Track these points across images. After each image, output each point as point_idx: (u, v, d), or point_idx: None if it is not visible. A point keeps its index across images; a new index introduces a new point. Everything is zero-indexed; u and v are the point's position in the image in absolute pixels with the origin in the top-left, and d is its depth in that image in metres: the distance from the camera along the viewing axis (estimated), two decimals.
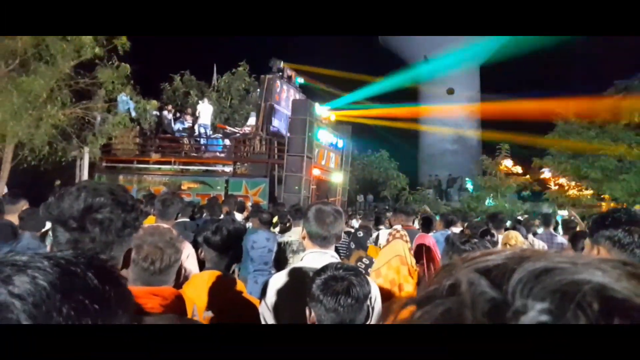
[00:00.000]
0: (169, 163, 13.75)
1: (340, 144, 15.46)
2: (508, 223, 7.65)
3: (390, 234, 3.75)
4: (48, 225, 3.66)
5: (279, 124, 14.86)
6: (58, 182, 10.83)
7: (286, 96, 15.18)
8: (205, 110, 14.69)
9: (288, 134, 13.09)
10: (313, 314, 1.46)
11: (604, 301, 0.30)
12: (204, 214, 6.24)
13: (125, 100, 11.90)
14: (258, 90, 15.49)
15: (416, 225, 6.16)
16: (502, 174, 16.99)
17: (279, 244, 4.53)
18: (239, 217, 6.76)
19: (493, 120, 24.96)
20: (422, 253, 4.35)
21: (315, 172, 13.36)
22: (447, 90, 32.08)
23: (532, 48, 23.78)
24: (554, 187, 15.97)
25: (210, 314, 1.94)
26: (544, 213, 9.16)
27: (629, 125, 14.35)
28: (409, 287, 3.25)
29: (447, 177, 27.59)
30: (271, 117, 14.27)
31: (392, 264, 3.30)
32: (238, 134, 14.83)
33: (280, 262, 4.35)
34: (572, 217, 9.84)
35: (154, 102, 12.22)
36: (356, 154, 21.38)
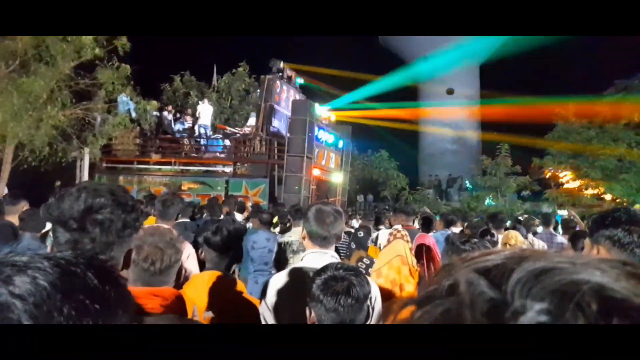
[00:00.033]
0: (169, 164, 13.75)
1: (340, 144, 15.47)
2: (508, 223, 7.65)
3: (391, 233, 3.75)
4: (48, 226, 3.66)
5: (279, 124, 14.87)
6: (58, 183, 10.85)
7: (286, 96, 15.19)
8: (205, 111, 14.70)
9: (288, 135, 13.10)
10: (313, 314, 1.46)
11: (603, 301, 0.30)
12: (204, 215, 6.24)
13: (126, 101, 11.91)
14: (258, 90, 15.50)
15: (416, 225, 6.16)
16: (502, 173, 17.02)
17: (279, 244, 4.54)
18: (239, 217, 6.76)
19: (493, 120, 24.99)
20: (422, 253, 4.35)
21: (315, 172, 13.36)
22: (447, 90, 32.09)
23: (532, 47, 23.80)
24: (554, 187, 15.97)
25: (210, 314, 1.94)
26: (543, 213, 9.16)
27: (629, 125, 14.36)
28: (410, 287, 3.25)
29: (447, 177, 27.61)
30: (271, 117, 14.27)
31: (393, 264, 3.30)
32: (238, 135, 14.84)
33: (280, 262, 4.35)
34: (572, 217, 9.83)
35: (154, 103, 12.22)
36: (356, 154, 21.41)
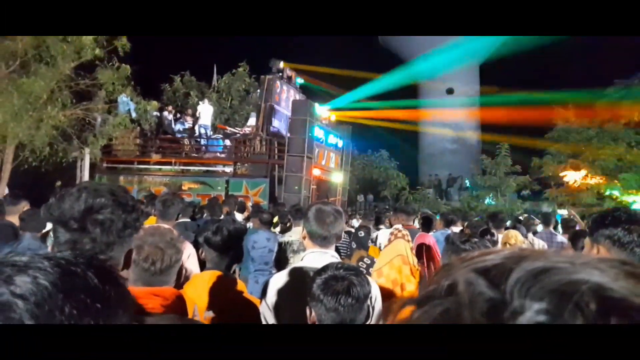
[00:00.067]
0: (169, 164, 13.76)
1: (340, 143, 15.47)
2: (508, 222, 7.64)
3: (392, 233, 3.75)
4: (49, 226, 3.66)
5: (279, 124, 14.87)
6: (59, 183, 10.87)
7: (286, 97, 15.19)
8: (205, 111, 14.70)
9: (288, 135, 13.10)
10: (313, 313, 1.46)
11: (602, 301, 0.30)
12: (205, 215, 6.24)
13: (126, 101, 11.92)
14: (258, 90, 15.49)
15: (416, 224, 6.16)
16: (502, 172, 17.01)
17: (280, 244, 4.54)
18: (239, 217, 6.76)
19: (493, 120, 24.98)
20: (422, 252, 4.35)
21: (316, 172, 13.36)
22: (447, 90, 32.08)
23: (532, 47, 23.78)
24: (554, 186, 15.96)
25: (211, 314, 1.94)
26: (543, 212, 9.16)
27: (629, 124, 14.35)
28: (411, 287, 3.25)
29: (447, 177, 27.58)
30: (271, 117, 14.28)
31: (394, 264, 3.30)
32: (238, 135, 14.84)
33: (280, 262, 4.35)
34: (572, 216, 9.84)
35: (154, 103, 12.24)
36: (356, 153, 21.39)
